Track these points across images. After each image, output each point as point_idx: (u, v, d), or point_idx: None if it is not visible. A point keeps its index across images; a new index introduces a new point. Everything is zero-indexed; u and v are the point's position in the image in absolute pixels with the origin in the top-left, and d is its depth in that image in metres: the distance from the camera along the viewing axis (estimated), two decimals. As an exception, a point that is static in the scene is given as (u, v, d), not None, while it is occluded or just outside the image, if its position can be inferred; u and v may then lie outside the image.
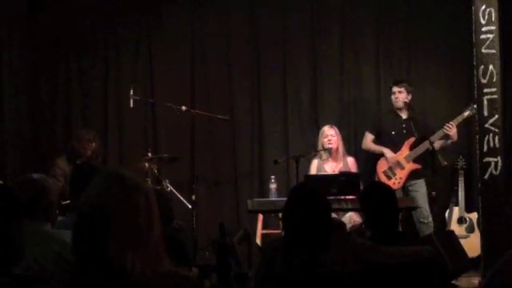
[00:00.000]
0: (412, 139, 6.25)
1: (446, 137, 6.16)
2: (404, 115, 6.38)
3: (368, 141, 6.55)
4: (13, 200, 2.77)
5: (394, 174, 6.29)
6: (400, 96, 6.36)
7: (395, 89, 6.40)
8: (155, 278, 1.65)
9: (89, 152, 6.24)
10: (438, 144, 6.17)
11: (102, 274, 1.63)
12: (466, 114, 6.12)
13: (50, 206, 3.09)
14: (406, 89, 6.38)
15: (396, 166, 6.28)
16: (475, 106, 5.93)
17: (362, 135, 7.03)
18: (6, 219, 2.43)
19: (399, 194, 6.10)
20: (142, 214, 1.70)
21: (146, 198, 1.72)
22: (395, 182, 6.22)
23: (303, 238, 2.82)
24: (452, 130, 6.09)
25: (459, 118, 6.14)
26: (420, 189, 6.30)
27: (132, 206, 1.70)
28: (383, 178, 6.29)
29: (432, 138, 6.07)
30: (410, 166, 6.25)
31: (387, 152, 6.34)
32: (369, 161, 6.70)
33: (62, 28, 7.15)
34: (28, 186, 3.05)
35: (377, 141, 6.51)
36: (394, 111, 6.45)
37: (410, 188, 6.31)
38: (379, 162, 6.40)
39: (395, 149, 6.33)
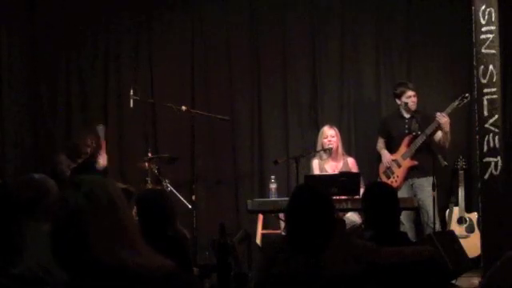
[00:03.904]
0: (410, 136, 6.27)
1: (438, 127, 6.12)
2: (406, 115, 6.36)
3: (379, 144, 6.60)
4: (13, 200, 2.77)
5: (393, 173, 6.33)
6: (415, 99, 6.32)
7: (411, 92, 6.31)
8: (151, 271, 1.65)
9: (90, 149, 6.22)
10: (437, 137, 6.15)
11: (95, 272, 1.63)
12: (456, 103, 6.15)
13: (51, 206, 3.09)
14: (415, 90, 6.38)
15: (394, 164, 6.33)
16: (467, 95, 6.01)
17: (362, 135, 7.05)
18: (6, 219, 2.43)
19: (403, 193, 6.09)
20: (119, 212, 1.70)
21: (115, 198, 1.73)
22: (393, 181, 6.26)
23: (307, 238, 2.82)
24: (443, 118, 6.05)
25: (448, 109, 6.14)
26: (425, 187, 6.09)
27: (107, 205, 1.70)
28: (384, 178, 6.36)
29: (427, 131, 6.08)
30: (406, 163, 6.28)
31: (383, 154, 6.45)
32: (374, 162, 6.72)
33: (61, 28, 7.14)
34: (28, 185, 3.05)
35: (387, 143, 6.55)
36: (398, 113, 6.42)
37: (413, 186, 6.28)
38: (380, 163, 6.48)
39: (398, 149, 6.35)
